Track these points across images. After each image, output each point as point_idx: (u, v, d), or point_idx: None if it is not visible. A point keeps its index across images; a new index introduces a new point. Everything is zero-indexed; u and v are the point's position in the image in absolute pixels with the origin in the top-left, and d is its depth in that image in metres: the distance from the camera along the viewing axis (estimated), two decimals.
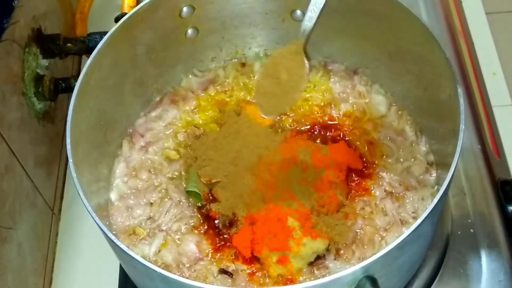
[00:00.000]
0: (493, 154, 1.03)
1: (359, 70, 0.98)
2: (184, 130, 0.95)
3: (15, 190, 0.88)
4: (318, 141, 0.92)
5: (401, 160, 0.90)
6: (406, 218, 0.85)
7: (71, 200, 1.06)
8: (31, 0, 0.97)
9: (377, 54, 0.93)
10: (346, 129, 0.93)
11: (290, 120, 0.94)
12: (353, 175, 0.88)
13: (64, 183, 1.08)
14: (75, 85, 0.79)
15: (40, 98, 0.97)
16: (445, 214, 0.95)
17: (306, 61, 0.78)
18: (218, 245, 0.84)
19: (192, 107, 0.97)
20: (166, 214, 0.87)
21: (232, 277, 0.81)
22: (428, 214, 0.67)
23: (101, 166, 0.88)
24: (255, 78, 1.00)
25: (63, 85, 1.01)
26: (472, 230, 0.95)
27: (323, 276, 0.79)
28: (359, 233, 0.83)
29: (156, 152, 0.93)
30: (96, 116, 0.85)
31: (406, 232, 0.66)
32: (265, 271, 0.81)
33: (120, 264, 0.93)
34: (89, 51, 1.01)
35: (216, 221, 0.85)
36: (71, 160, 0.75)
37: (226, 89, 0.99)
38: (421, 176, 0.88)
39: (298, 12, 0.95)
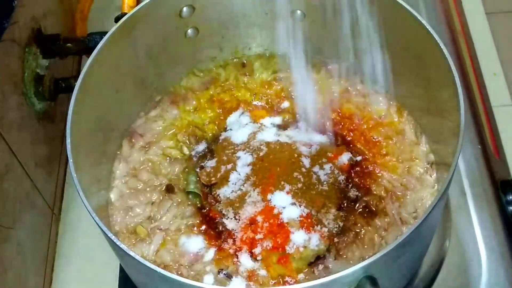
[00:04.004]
0: (493, 154, 1.03)
1: (359, 70, 0.98)
2: (184, 130, 0.95)
3: (15, 190, 0.87)
4: (318, 140, 0.92)
5: (401, 160, 0.90)
6: (406, 218, 0.85)
7: (71, 200, 1.06)
8: (31, 0, 0.97)
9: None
10: (346, 129, 0.93)
11: (291, 120, 0.95)
12: (354, 175, 0.88)
13: (64, 183, 1.08)
14: (75, 85, 0.79)
15: (40, 98, 0.97)
16: (445, 214, 0.95)
17: None
18: (217, 245, 0.83)
19: (192, 107, 0.97)
20: (166, 214, 0.87)
21: (231, 277, 0.81)
22: (428, 214, 0.67)
23: (101, 166, 0.88)
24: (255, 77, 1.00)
25: (63, 85, 1.01)
26: (472, 230, 0.95)
27: (323, 276, 0.79)
28: (359, 233, 0.83)
29: (156, 152, 0.93)
30: (96, 116, 0.85)
31: (406, 232, 0.66)
32: (265, 271, 0.81)
33: (120, 264, 0.93)
34: (89, 51, 1.00)
35: (216, 221, 0.85)
36: (71, 160, 0.75)
37: (227, 89, 0.99)
38: (421, 176, 0.88)
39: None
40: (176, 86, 1.00)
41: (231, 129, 0.94)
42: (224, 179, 0.87)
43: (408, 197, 0.86)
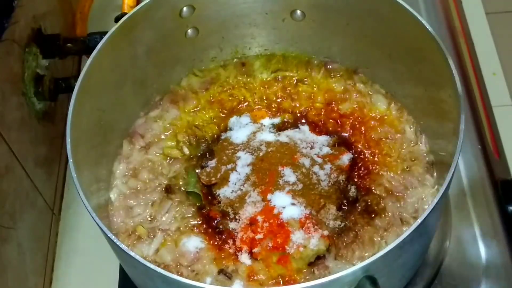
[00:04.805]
0: (493, 154, 1.03)
1: (359, 70, 0.98)
2: (184, 130, 0.95)
3: (15, 190, 0.87)
4: (318, 141, 0.91)
5: (401, 159, 0.90)
6: (406, 218, 0.85)
7: (71, 200, 1.06)
8: (31, 0, 0.97)
9: (377, 54, 0.93)
10: (346, 128, 0.93)
11: (291, 120, 0.95)
12: (354, 175, 0.88)
13: (64, 183, 1.08)
14: (75, 85, 0.79)
15: (40, 98, 0.97)
16: (445, 214, 0.95)
17: None
18: (217, 245, 0.83)
19: (192, 107, 0.97)
20: (166, 214, 0.87)
21: (231, 277, 0.81)
22: (428, 214, 0.67)
23: (101, 166, 0.88)
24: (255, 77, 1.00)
25: (63, 85, 1.01)
26: (472, 230, 0.95)
27: (323, 276, 0.79)
28: (359, 233, 0.83)
29: (156, 152, 0.93)
30: (96, 116, 0.85)
31: (406, 232, 0.66)
32: (265, 271, 0.81)
33: (120, 264, 0.93)
34: (89, 51, 1.00)
35: (216, 221, 0.85)
36: (71, 160, 0.75)
37: (226, 89, 0.99)
38: (421, 176, 0.88)
39: (298, 12, 0.95)
40: (176, 86, 1.00)
41: (231, 129, 0.94)
42: (224, 179, 0.87)
43: (408, 197, 0.86)
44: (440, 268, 0.91)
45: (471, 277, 0.91)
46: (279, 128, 0.94)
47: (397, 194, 0.87)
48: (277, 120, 0.95)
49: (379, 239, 0.83)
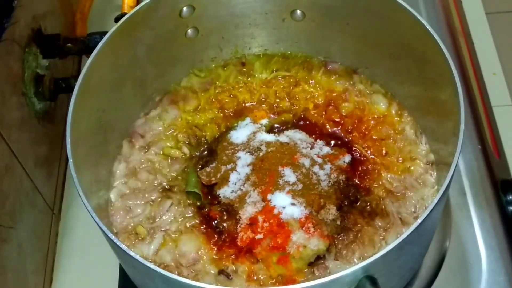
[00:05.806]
0: (493, 154, 1.03)
1: (359, 70, 0.98)
2: (184, 130, 0.95)
3: (15, 190, 0.88)
4: (318, 141, 0.92)
5: (401, 160, 0.90)
6: (406, 218, 0.85)
7: (71, 200, 1.06)
8: (31, 0, 0.97)
9: (377, 54, 0.93)
10: (346, 128, 0.93)
11: (291, 120, 0.95)
12: (354, 175, 0.88)
13: (64, 183, 1.08)
14: (75, 85, 0.79)
15: (40, 98, 0.97)
16: (445, 214, 0.95)
17: None
18: (217, 245, 0.83)
19: (192, 107, 0.97)
20: (166, 214, 0.87)
21: (231, 277, 0.81)
22: (428, 214, 0.68)
23: (101, 166, 0.88)
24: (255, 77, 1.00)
25: (63, 85, 1.01)
26: (472, 230, 0.95)
27: (323, 276, 0.79)
28: (359, 233, 0.83)
29: (156, 152, 0.93)
30: (96, 116, 0.85)
31: (406, 232, 0.66)
32: (265, 271, 0.81)
33: (120, 264, 0.93)
34: (89, 51, 1.01)
35: (216, 221, 0.85)
36: (71, 160, 0.75)
37: (226, 89, 0.99)
38: (421, 176, 0.88)
39: (298, 12, 0.95)
40: (176, 86, 1.00)
41: (231, 129, 0.94)
42: (224, 179, 0.87)
43: (408, 197, 0.86)
44: (440, 268, 0.91)
45: (471, 277, 0.91)
46: (279, 128, 0.94)
47: (397, 194, 0.87)
48: (277, 120, 0.95)
49: (379, 239, 0.83)
